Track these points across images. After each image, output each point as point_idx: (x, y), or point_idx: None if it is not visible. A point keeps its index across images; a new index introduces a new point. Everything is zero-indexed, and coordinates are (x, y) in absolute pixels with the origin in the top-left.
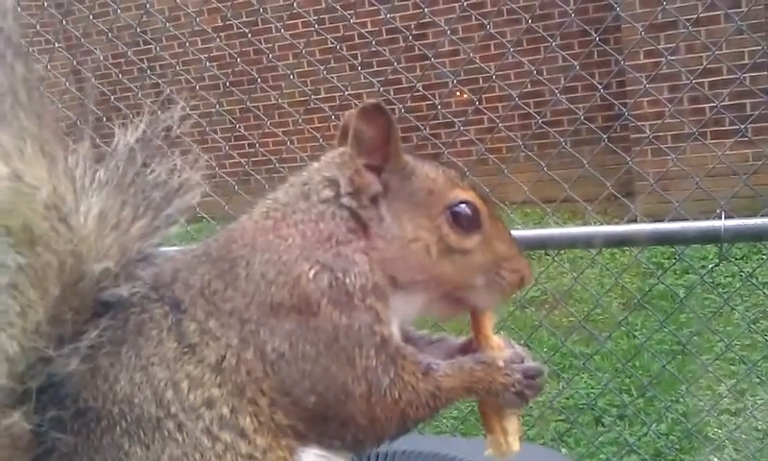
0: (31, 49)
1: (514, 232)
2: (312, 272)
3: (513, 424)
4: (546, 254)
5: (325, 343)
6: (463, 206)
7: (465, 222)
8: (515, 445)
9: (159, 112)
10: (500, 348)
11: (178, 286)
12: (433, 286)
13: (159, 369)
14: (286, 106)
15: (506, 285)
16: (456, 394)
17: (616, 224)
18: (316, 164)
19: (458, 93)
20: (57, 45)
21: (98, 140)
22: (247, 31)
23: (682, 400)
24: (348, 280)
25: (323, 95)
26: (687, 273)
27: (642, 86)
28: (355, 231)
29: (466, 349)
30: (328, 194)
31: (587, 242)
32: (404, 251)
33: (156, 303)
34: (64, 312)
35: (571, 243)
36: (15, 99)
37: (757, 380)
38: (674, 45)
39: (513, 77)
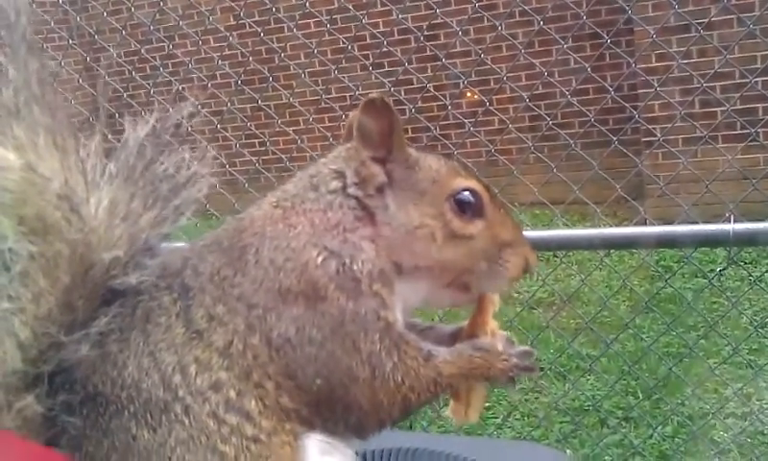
0: (45, 46)
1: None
2: (320, 258)
3: (478, 400)
4: (554, 256)
5: (331, 328)
6: (466, 193)
7: (468, 208)
8: (473, 417)
9: (170, 108)
10: (494, 333)
11: (187, 274)
12: (438, 272)
13: (167, 354)
14: (297, 105)
15: (511, 270)
16: (455, 379)
17: (625, 226)
18: (323, 159)
19: (469, 94)
20: (71, 42)
21: (110, 136)
22: (259, 30)
23: (687, 402)
24: (355, 266)
25: (334, 95)
26: (696, 276)
27: (653, 89)
28: (362, 220)
29: (455, 336)
30: (336, 185)
31: (595, 244)
32: (410, 237)
33: (164, 291)
34: (75, 299)
35: (579, 245)
36: (29, 94)
37: (764, 384)
38: (686, 48)
39: (524, 78)
